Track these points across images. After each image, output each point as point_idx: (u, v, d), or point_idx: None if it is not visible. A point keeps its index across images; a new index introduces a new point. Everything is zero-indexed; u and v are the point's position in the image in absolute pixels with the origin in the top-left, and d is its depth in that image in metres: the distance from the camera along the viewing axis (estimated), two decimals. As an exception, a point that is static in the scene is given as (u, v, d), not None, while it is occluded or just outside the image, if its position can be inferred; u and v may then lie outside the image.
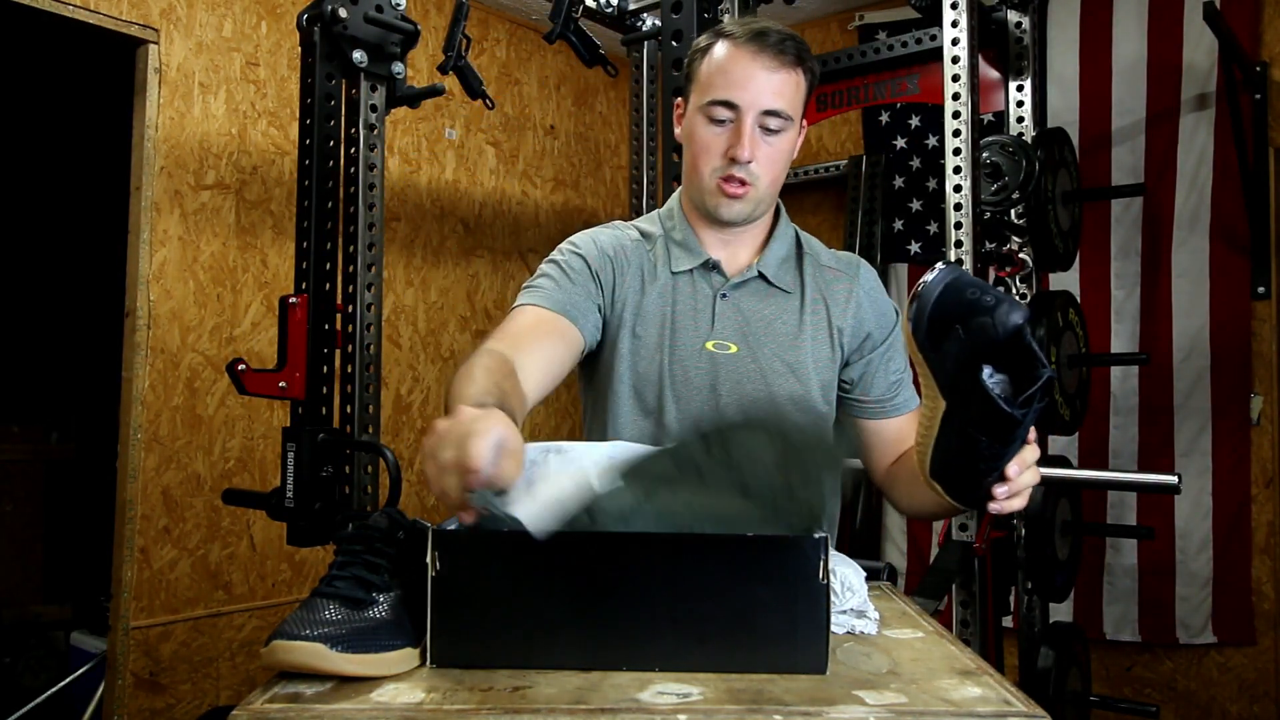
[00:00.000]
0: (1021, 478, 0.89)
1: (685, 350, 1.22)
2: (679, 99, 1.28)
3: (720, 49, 1.19)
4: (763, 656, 0.77)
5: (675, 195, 1.33)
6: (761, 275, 1.26)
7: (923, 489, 0.96)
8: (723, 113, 1.18)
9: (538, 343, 1.13)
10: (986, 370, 0.81)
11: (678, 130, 1.29)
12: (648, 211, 3.19)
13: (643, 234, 1.30)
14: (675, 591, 0.77)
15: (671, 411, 1.21)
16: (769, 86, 1.17)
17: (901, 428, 1.27)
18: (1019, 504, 0.92)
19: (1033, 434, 0.90)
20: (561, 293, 1.19)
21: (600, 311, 1.23)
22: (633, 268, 1.26)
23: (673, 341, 1.22)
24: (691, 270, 1.26)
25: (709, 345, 1.22)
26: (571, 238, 1.29)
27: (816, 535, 0.77)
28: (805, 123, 1.28)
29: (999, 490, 0.90)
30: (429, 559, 0.78)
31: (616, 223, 1.34)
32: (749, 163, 1.18)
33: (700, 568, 0.77)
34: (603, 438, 1.24)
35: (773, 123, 1.18)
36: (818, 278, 1.28)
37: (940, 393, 0.85)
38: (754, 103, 1.17)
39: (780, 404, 1.21)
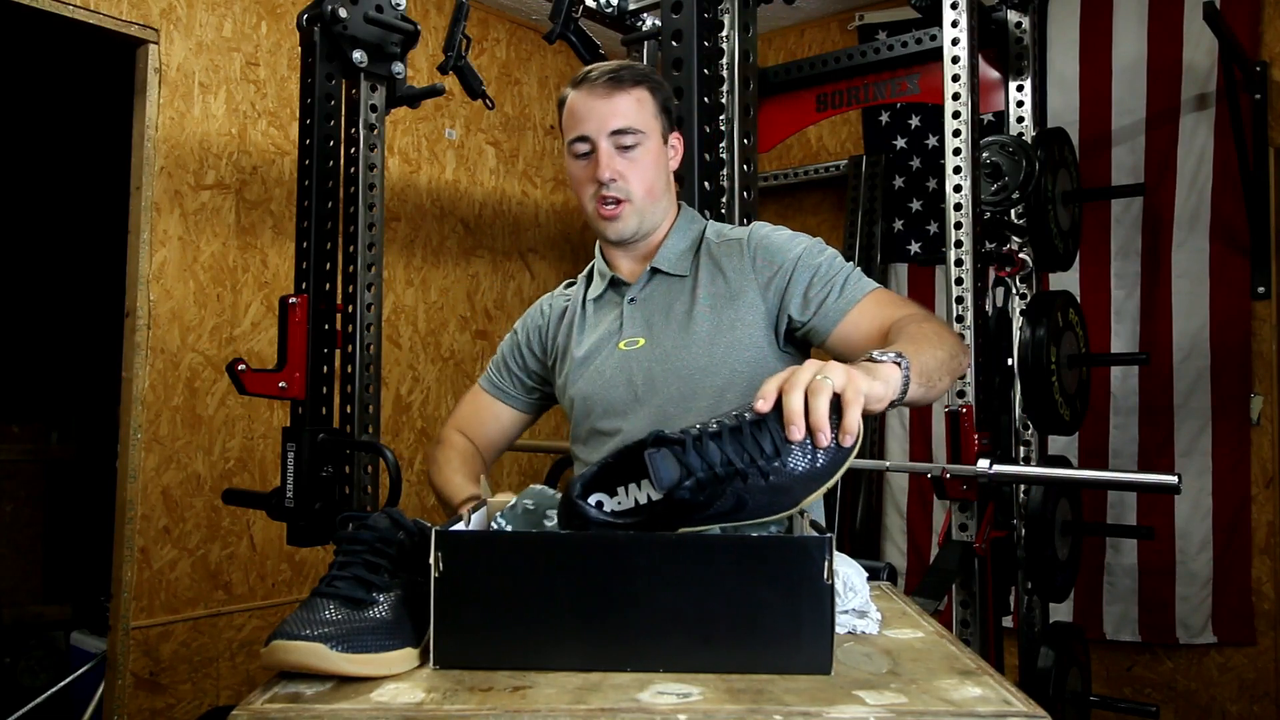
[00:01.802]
0: (798, 412, 0.82)
1: (604, 358, 1.36)
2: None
3: (568, 99, 1.35)
4: (767, 657, 0.77)
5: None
6: (655, 270, 1.36)
7: None
8: (581, 147, 1.32)
9: (483, 425, 1.51)
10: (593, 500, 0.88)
11: (569, 183, 1.43)
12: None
13: (570, 288, 1.49)
14: (680, 592, 0.77)
15: (611, 419, 1.33)
16: (609, 110, 1.30)
17: (856, 326, 1.23)
18: (850, 423, 0.83)
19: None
20: (498, 376, 1.51)
21: (531, 378, 1.49)
22: (555, 320, 1.46)
23: (596, 357, 1.37)
24: (604, 293, 1.41)
25: (620, 345, 1.35)
26: (521, 317, 1.54)
27: (823, 535, 0.77)
28: (677, 135, 1.39)
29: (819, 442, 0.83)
30: (432, 560, 0.77)
31: (560, 286, 1.53)
32: (613, 180, 1.30)
33: (704, 569, 0.77)
34: (577, 458, 1.43)
35: (626, 139, 1.30)
36: (713, 253, 1.35)
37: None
38: (600, 128, 1.30)
39: (689, 379, 1.28)
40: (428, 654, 0.80)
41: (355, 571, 0.81)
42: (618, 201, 1.32)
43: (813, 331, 1.28)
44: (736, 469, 0.81)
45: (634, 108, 1.31)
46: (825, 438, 0.82)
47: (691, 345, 1.30)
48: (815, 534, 0.78)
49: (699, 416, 1.17)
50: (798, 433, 0.82)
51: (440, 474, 1.41)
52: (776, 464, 0.81)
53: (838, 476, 0.84)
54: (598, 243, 1.44)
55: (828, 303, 1.25)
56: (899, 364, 0.93)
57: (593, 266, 1.47)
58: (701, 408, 1.26)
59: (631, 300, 1.37)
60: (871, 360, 0.93)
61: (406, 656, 0.78)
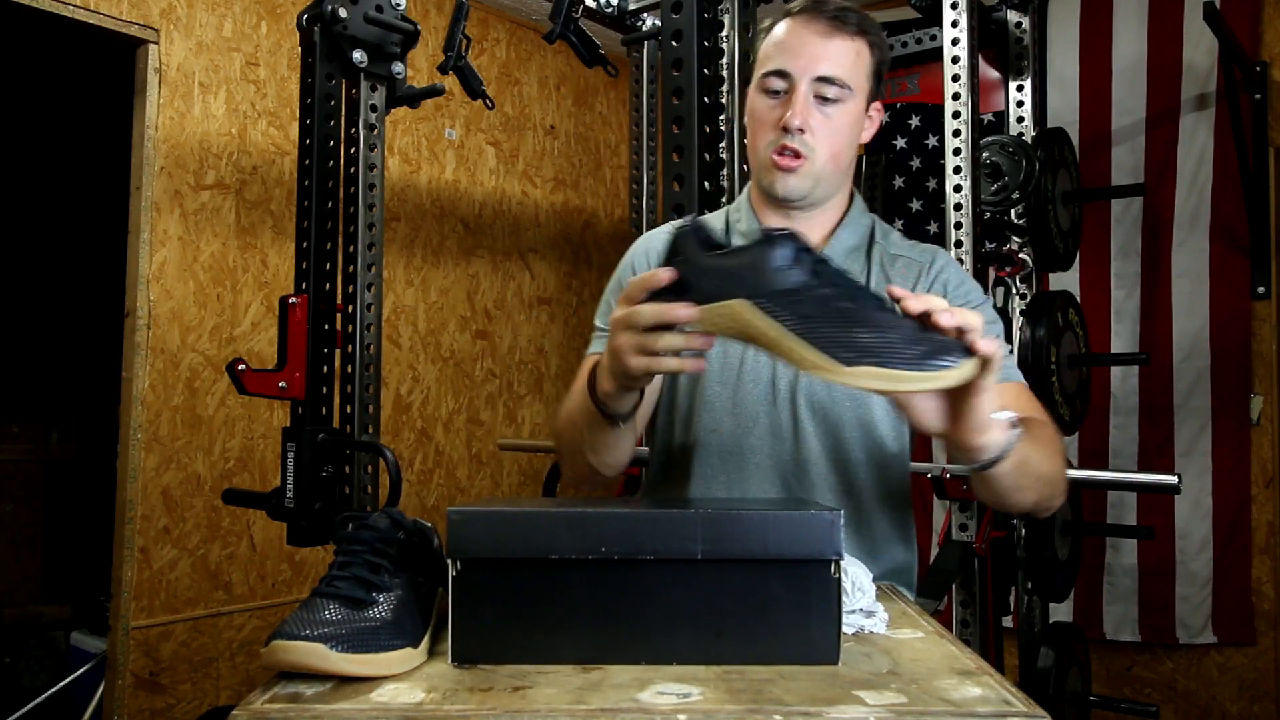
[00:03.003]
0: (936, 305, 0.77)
1: (739, 345, 1.17)
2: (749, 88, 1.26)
3: (779, 25, 1.18)
4: (776, 648, 0.78)
5: (747, 187, 1.30)
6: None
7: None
8: (777, 83, 1.15)
9: None
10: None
11: (746, 117, 1.25)
12: (646, 211, 3.20)
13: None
14: (690, 586, 0.78)
15: (722, 418, 1.20)
16: (822, 53, 1.14)
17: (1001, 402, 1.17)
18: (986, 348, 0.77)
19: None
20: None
21: None
22: None
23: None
24: None
25: None
26: (628, 252, 1.31)
27: (830, 513, 0.78)
28: (878, 105, 1.22)
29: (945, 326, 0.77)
30: (448, 561, 0.78)
31: (673, 222, 1.33)
32: (801, 131, 1.14)
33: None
34: (670, 433, 1.26)
35: (829, 91, 1.14)
36: (886, 267, 1.22)
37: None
38: (806, 69, 1.13)
39: (838, 396, 1.16)
40: (429, 654, 0.80)
41: (355, 571, 0.81)
42: (797, 155, 1.15)
43: None
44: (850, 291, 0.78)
45: (850, 58, 1.15)
46: (948, 323, 0.77)
47: None
48: (825, 513, 0.78)
49: (836, 450, 1.09)
50: (917, 306, 0.77)
51: (560, 421, 1.16)
52: (891, 318, 0.77)
53: (940, 382, 0.75)
54: (747, 192, 1.27)
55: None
56: (1011, 428, 0.89)
57: (726, 218, 1.29)
58: (843, 439, 1.14)
59: None
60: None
61: (407, 656, 0.78)
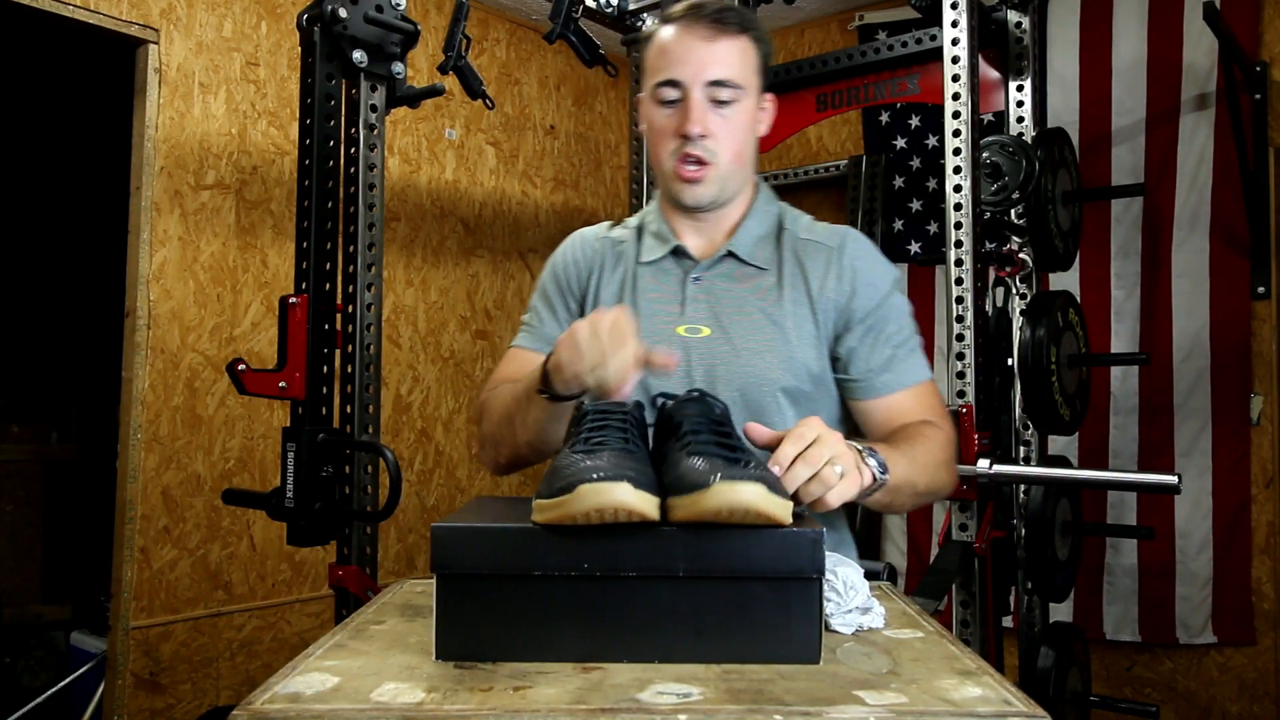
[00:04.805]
0: (786, 456, 0.88)
1: (656, 337, 1.19)
2: (640, 96, 1.26)
3: (661, 32, 1.19)
4: (758, 647, 0.79)
5: (658, 192, 1.32)
6: (732, 254, 1.23)
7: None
8: (670, 92, 1.16)
9: None
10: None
11: (641, 127, 1.27)
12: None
13: (617, 231, 1.33)
14: (674, 586, 0.79)
15: (651, 410, 1.22)
16: (709, 57, 1.14)
17: (890, 410, 1.19)
18: (807, 483, 0.89)
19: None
20: (543, 328, 1.30)
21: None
22: (599, 265, 1.29)
23: (647, 336, 1.19)
24: (662, 259, 1.25)
25: (680, 330, 1.20)
26: (554, 254, 1.35)
27: (812, 530, 0.78)
28: (770, 97, 1.24)
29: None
30: (433, 556, 0.79)
31: (601, 224, 1.36)
32: (702, 137, 1.15)
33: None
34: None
35: (722, 93, 1.15)
36: (797, 251, 1.23)
37: None
38: (697, 75, 1.14)
39: (756, 384, 1.17)
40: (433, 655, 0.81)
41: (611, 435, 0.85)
42: (700, 163, 1.16)
43: (848, 388, 1.21)
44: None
45: (737, 58, 1.16)
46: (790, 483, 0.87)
47: (768, 349, 1.17)
48: (806, 530, 0.79)
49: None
50: (777, 468, 0.86)
51: (495, 400, 1.21)
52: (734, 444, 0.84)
53: (763, 507, 0.77)
54: (656, 202, 1.30)
55: (879, 376, 1.19)
56: (879, 473, 0.97)
57: (641, 222, 1.31)
58: (766, 420, 1.14)
59: (696, 279, 1.22)
60: (861, 455, 0.96)
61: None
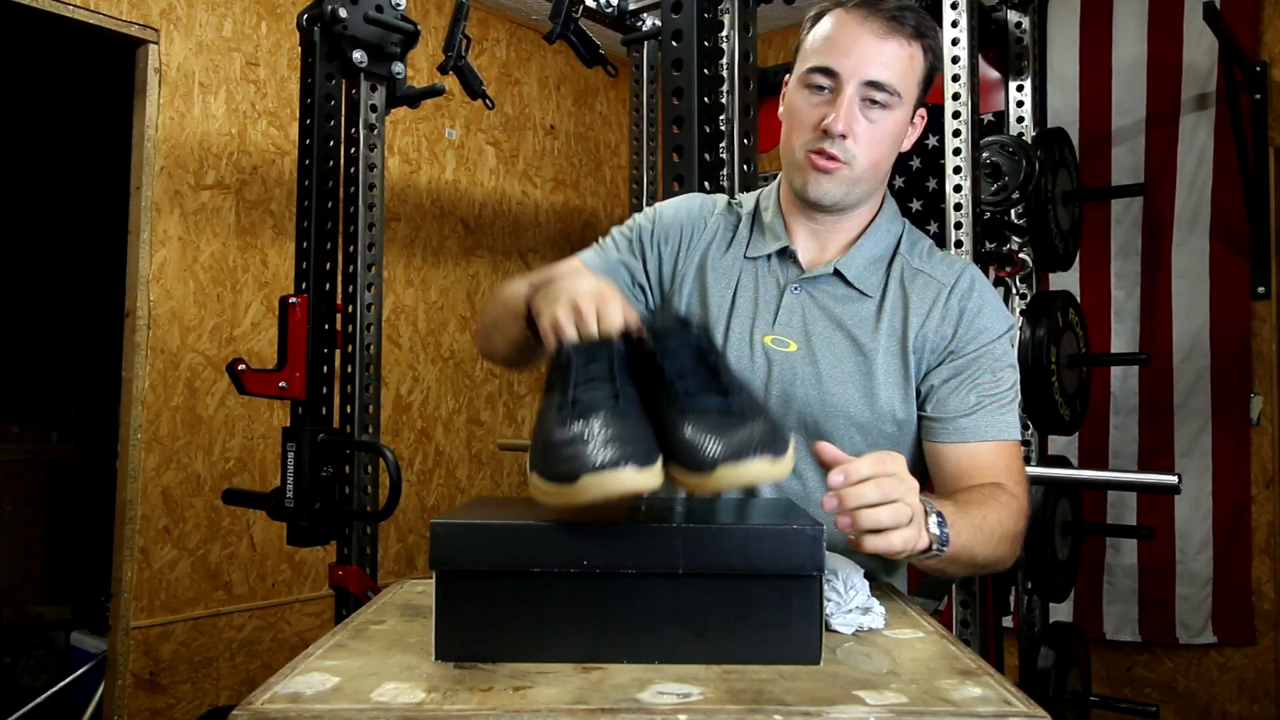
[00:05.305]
0: (850, 498, 0.81)
1: (739, 339, 1.14)
2: (787, 76, 1.17)
3: (830, 16, 1.10)
4: (758, 648, 0.78)
5: (779, 177, 1.23)
6: (839, 273, 1.14)
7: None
8: (822, 80, 1.08)
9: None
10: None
11: (781, 110, 1.17)
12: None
13: (735, 208, 1.24)
14: (674, 586, 0.79)
15: None
16: (875, 55, 1.06)
17: (964, 459, 1.10)
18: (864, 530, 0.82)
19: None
20: (611, 256, 1.22)
21: (643, 288, 1.21)
22: (708, 239, 1.21)
23: (728, 327, 1.15)
24: (767, 256, 1.17)
25: (767, 339, 1.13)
26: (661, 203, 1.26)
27: (812, 527, 0.78)
28: (922, 113, 1.14)
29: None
30: (431, 556, 0.79)
31: (719, 197, 1.28)
32: (844, 137, 1.07)
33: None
34: None
35: (877, 96, 1.07)
36: (905, 280, 1.14)
37: None
38: (856, 71, 1.06)
39: (833, 414, 1.10)
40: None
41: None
42: (835, 159, 1.08)
43: (926, 426, 1.12)
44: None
45: (904, 63, 1.07)
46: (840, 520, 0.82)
47: (851, 381, 1.10)
48: (807, 528, 0.79)
49: (816, 464, 1.03)
50: (830, 501, 0.82)
51: (498, 297, 1.14)
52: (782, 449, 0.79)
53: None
54: (775, 189, 1.21)
55: (959, 420, 1.10)
56: (937, 544, 0.89)
57: (755, 212, 1.22)
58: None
59: (794, 289, 1.15)
60: (925, 511, 0.88)
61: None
